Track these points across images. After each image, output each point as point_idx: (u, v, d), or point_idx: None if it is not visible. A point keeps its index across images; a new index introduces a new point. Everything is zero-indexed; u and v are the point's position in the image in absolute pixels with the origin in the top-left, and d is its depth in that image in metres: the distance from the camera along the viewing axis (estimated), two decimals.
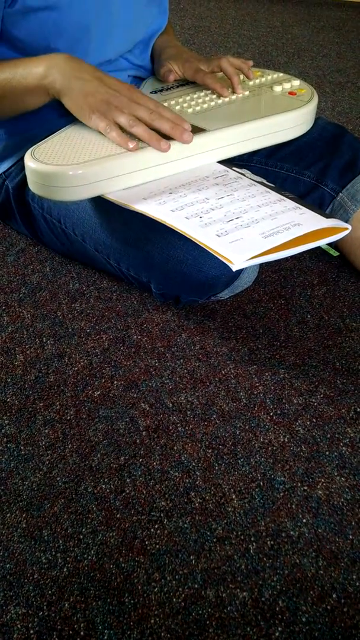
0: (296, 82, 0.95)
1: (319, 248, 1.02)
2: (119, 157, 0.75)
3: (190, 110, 0.87)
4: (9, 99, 0.83)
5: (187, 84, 0.97)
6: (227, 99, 0.90)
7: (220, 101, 0.90)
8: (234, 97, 0.91)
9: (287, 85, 0.94)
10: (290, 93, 0.92)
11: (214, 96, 0.91)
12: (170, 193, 0.76)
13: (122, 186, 0.77)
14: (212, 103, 0.89)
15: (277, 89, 0.93)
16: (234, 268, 0.65)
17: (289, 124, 0.86)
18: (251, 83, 0.96)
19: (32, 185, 0.78)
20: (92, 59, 0.88)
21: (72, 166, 0.74)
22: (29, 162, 0.76)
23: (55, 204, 0.94)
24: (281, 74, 0.99)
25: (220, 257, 0.66)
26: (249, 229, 0.69)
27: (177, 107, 0.88)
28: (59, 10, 0.81)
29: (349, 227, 0.71)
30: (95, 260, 0.96)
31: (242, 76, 0.96)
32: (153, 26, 0.99)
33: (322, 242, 0.70)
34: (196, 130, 0.80)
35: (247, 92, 0.92)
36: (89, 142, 0.78)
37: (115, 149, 0.76)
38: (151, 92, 0.95)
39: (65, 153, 0.76)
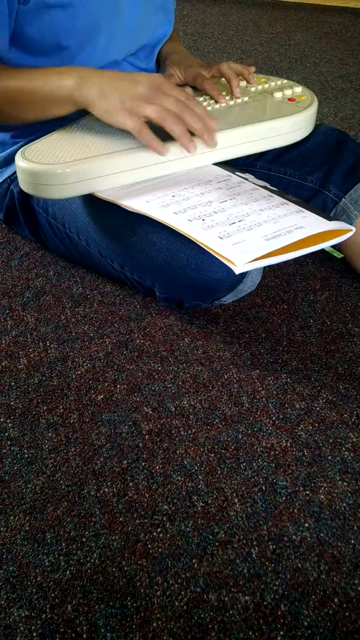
0: (298, 89, 0.96)
1: (322, 250, 1.03)
2: (109, 156, 0.76)
3: None
4: (35, 107, 0.83)
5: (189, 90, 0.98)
6: (224, 104, 0.91)
7: (217, 106, 0.90)
8: (232, 102, 0.92)
9: (288, 92, 0.94)
10: (290, 99, 0.92)
11: (212, 101, 0.92)
12: (174, 196, 0.77)
13: (112, 185, 0.78)
14: (210, 108, 0.90)
15: (278, 95, 0.94)
16: (236, 270, 0.66)
17: (285, 129, 0.87)
18: (253, 89, 0.97)
19: (23, 184, 0.80)
20: (98, 58, 0.89)
21: (61, 164, 0.76)
22: (20, 161, 0.78)
23: (60, 209, 0.94)
24: (285, 81, 1.00)
25: (222, 259, 0.67)
26: (252, 232, 0.70)
27: None
28: (73, 8, 0.82)
29: (353, 228, 0.72)
30: (99, 264, 0.97)
31: (244, 82, 0.97)
32: (159, 32, 1.00)
33: (326, 245, 0.70)
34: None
35: (246, 98, 0.93)
36: (80, 142, 0.80)
37: (105, 149, 0.77)
38: None
39: (55, 152, 0.78)
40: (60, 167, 0.76)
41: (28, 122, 0.87)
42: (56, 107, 0.81)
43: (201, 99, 0.93)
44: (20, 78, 0.81)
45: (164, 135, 0.79)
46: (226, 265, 0.66)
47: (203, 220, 0.72)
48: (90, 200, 0.87)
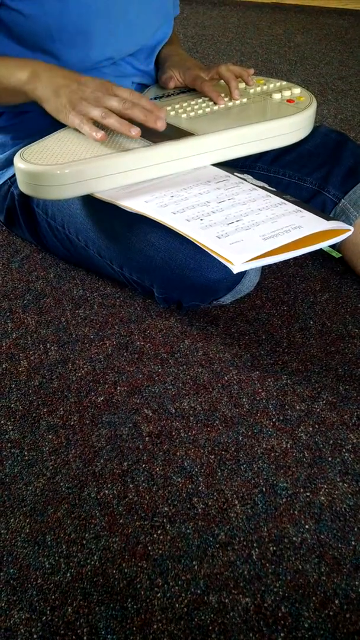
0: (296, 90, 0.96)
1: (321, 251, 1.03)
2: (107, 157, 0.77)
3: (184, 115, 0.88)
4: None
5: (188, 92, 0.98)
6: (223, 106, 0.91)
7: (216, 108, 0.91)
8: (230, 104, 0.92)
9: (286, 93, 0.94)
10: (289, 101, 0.93)
11: (211, 103, 0.92)
12: (172, 196, 0.77)
13: (110, 186, 0.79)
14: (208, 109, 0.90)
15: (276, 96, 0.94)
16: (234, 270, 0.66)
17: (283, 130, 0.87)
18: (252, 91, 0.97)
19: (22, 185, 0.80)
20: (95, 53, 0.90)
21: (59, 165, 0.76)
22: (18, 163, 0.78)
23: (60, 210, 0.95)
24: (284, 82, 1.00)
25: (220, 259, 0.67)
26: (250, 231, 0.70)
27: (172, 113, 0.90)
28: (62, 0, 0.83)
29: (351, 228, 0.72)
30: (98, 265, 0.97)
31: (243, 84, 0.97)
32: (158, 34, 1.00)
33: (324, 244, 0.70)
34: (184, 134, 0.82)
35: (245, 99, 0.93)
36: (78, 144, 0.80)
37: (104, 150, 0.78)
38: (152, 99, 0.97)
39: (54, 153, 0.79)
40: (59, 168, 0.76)
41: None
42: (10, 96, 0.87)
43: (200, 100, 0.93)
44: None
45: (155, 136, 0.79)
46: (224, 266, 0.66)
47: (201, 220, 0.72)
48: (89, 201, 0.87)
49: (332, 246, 0.99)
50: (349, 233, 0.71)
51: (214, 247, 0.68)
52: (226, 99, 0.92)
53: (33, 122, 0.97)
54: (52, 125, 0.90)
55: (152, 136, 0.80)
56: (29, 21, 0.85)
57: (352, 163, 0.95)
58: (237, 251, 0.67)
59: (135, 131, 0.78)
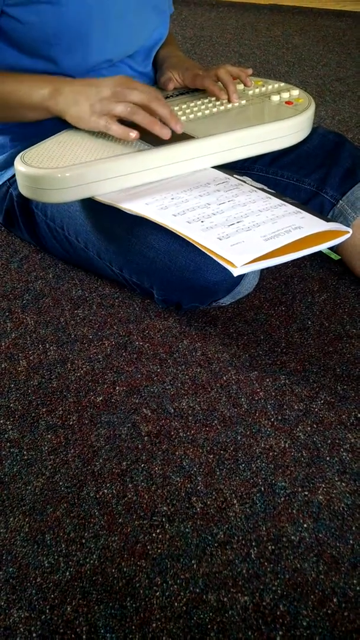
0: (295, 92, 0.96)
1: (320, 252, 1.03)
2: (108, 160, 0.77)
3: (184, 117, 0.89)
4: (10, 110, 0.88)
5: (186, 93, 0.98)
6: (222, 108, 0.91)
7: (215, 110, 0.91)
8: (229, 105, 0.92)
9: (285, 95, 0.95)
10: (287, 102, 0.93)
11: (210, 104, 0.92)
12: (173, 198, 0.77)
13: (111, 189, 0.79)
14: (207, 111, 0.90)
15: (275, 98, 0.94)
16: (235, 272, 0.66)
17: (282, 132, 0.88)
18: (250, 92, 0.97)
19: (22, 189, 0.80)
20: (93, 56, 0.90)
21: (60, 169, 0.76)
22: (19, 166, 0.78)
23: (59, 212, 0.95)
24: (282, 84, 1.00)
25: (221, 261, 0.67)
26: (250, 232, 0.70)
27: None
28: (59, 4, 0.83)
29: (350, 230, 0.72)
30: (97, 266, 0.97)
31: (241, 85, 0.98)
32: (156, 34, 1.00)
33: (323, 247, 0.70)
34: (185, 137, 0.82)
35: (243, 101, 0.93)
36: (79, 147, 0.80)
37: (104, 153, 0.78)
38: None
39: (54, 157, 0.79)
40: (60, 172, 0.76)
41: (5, 122, 0.95)
42: (31, 112, 0.86)
43: (199, 102, 0.93)
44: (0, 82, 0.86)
45: (155, 139, 0.79)
46: (224, 268, 0.66)
47: (202, 222, 0.72)
48: (89, 203, 0.87)
49: (331, 248, 1.00)
50: (348, 235, 0.72)
51: (215, 249, 0.68)
52: (225, 102, 0.93)
53: (32, 124, 0.97)
54: (52, 127, 0.90)
55: (152, 139, 0.80)
56: (27, 28, 0.85)
57: (350, 164, 0.96)
58: (238, 252, 0.67)
59: (167, 131, 0.78)
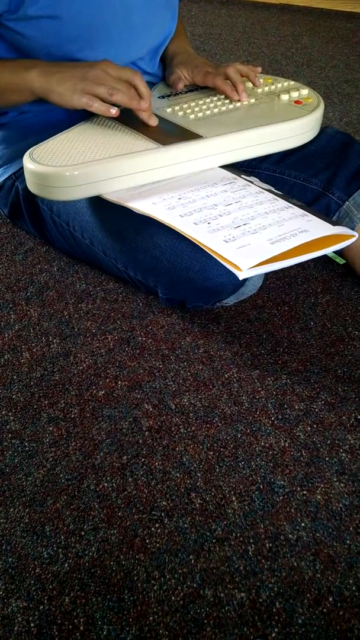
0: (304, 91, 0.96)
1: (325, 255, 1.03)
2: (116, 159, 0.77)
3: (192, 116, 0.89)
4: None
5: (195, 90, 0.98)
6: (231, 106, 0.91)
7: (224, 108, 0.91)
8: (238, 104, 0.92)
9: (294, 94, 0.95)
10: (297, 102, 0.93)
11: (219, 103, 0.92)
12: (180, 198, 0.77)
13: (118, 187, 0.79)
14: (216, 110, 0.90)
15: (284, 97, 0.94)
16: (241, 276, 0.66)
17: (291, 132, 0.88)
18: (260, 90, 0.97)
19: (31, 186, 0.81)
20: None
21: (68, 167, 0.77)
22: (28, 163, 0.79)
23: (65, 207, 0.95)
24: (292, 82, 1.00)
25: (227, 264, 0.67)
26: (257, 235, 0.70)
27: (181, 113, 0.90)
28: (60, 20, 0.83)
29: (356, 234, 0.73)
30: (102, 263, 0.98)
31: (250, 84, 0.98)
32: (164, 32, 1.00)
33: (329, 250, 0.71)
34: (193, 136, 0.82)
35: (252, 100, 0.93)
36: (87, 145, 0.81)
37: (112, 151, 0.79)
38: (159, 97, 0.97)
39: (63, 154, 0.79)
40: (68, 170, 0.76)
41: None
42: (16, 95, 0.87)
43: (208, 100, 0.93)
44: None
45: (164, 137, 0.80)
46: (229, 269, 0.67)
47: (209, 223, 0.73)
48: (95, 201, 0.87)
49: (337, 252, 1.00)
50: (354, 239, 0.72)
51: (222, 252, 0.68)
52: (234, 101, 0.93)
53: (37, 118, 0.97)
54: (57, 122, 0.91)
55: (160, 138, 0.81)
56: (28, 40, 0.86)
57: (358, 165, 0.96)
58: (244, 255, 0.67)
59: (145, 104, 0.81)
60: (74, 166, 0.76)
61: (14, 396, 0.81)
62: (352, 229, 0.94)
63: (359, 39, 2.24)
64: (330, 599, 0.61)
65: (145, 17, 0.93)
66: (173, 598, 0.61)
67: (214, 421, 0.78)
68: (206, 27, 2.33)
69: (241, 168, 0.92)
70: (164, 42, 1.02)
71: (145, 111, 0.84)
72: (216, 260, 0.69)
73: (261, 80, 0.98)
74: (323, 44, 2.18)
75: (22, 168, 0.99)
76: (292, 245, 0.68)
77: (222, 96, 0.94)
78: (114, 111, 0.81)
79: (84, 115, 0.87)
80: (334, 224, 0.73)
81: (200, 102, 0.93)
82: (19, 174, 1.00)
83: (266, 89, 0.98)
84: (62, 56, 0.87)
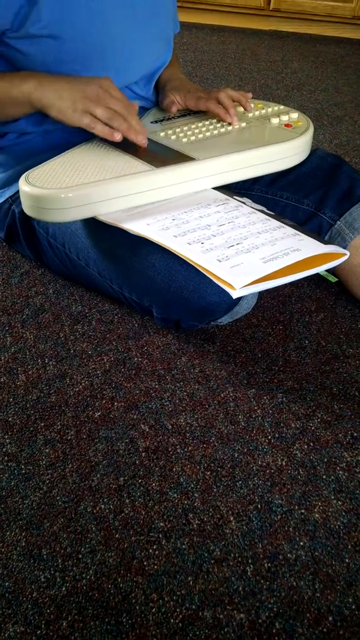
0: (294, 115, 0.98)
1: (318, 274, 1.04)
2: (110, 181, 0.79)
3: (185, 140, 0.90)
4: None
5: (187, 115, 1.00)
6: (222, 130, 0.93)
7: (216, 132, 0.93)
8: (230, 128, 0.94)
9: (284, 118, 0.97)
10: (287, 125, 0.95)
11: (211, 127, 0.94)
12: (174, 219, 0.78)
13: (113, 209, 0.80)
14: (208, 133, 0.92)
15: (274, 121, 0.96)
16: (234, 295, 0.67)
17: (281, 154, 0.90)
18: (250, 115, 0.99)
19: (27, 208, 0.82)
20: None
21: (63, 189, 0.78)
22: (24, 186, 0.80)
23: (60, 230, 0.96)
24: (282, 107, 1.02)
25: (220, 283, 0.68)
26: (249, 254, 0.71)
27: (174, 137, 0.92)
28: (60, 40, 0.85)
29: (347, 253, 0.74)
30: (97, 284, 0.98)
31: (241, 108, 1.00)
32: (159, 61, 1.03)
33: (321, 269, 0.72)
34: (186, 158, 0.84)
35: (243, 124, 0.95)
36: (82, 167, 0.82)
37: (107, 173, 0.80)
38: (152, 122, 0.99)
39: (58, 177, 0.80)
40: (63, 192, 0.77)
41: None
42: (15, 107, 0.88)
43: (200, 124, 0.95)
44: None
45: (157, 160, 0.81)
46: (223, 289, 0.67)
47: (202, 243, 0.74)
48: (90, 222, 0.88)
49: (329, 270, 1.01)
50: (345, 257, 0.73)
51: (215, 271, 0.69)
52: (225, 124, 0.94)
53: (35, 142, 0.99)
54: (54, 146, 0.92)
55: (154, 161, 0.82)
56: (26, 58, 0.88)
57: (348, 186, 0.98)
58: (237, 274, 0.68)
59: (143, 139, 0.83)
60: (69, 188, 0.78)
61: (9, 419, 0.81)
62: (344, 247, 0.95)
63: (347, 63, 2.29)
64: (330, 618, 0.61)
65: (140, 46, 0.95)
66: (172, 620, 0.60)
67: (211, 441, 0.78)
68: (198, 53, 2.38)
69: (234, 190, 0.93)
70: (158, 70, 1.04)
71: (142, 146, 0.86)
72: (210, 279, 0.70)
73: (252, 105, 1.01)
74: (313, 69, 2.22)
75: (18, 191, 1.01)
76: (284, 264, 0.69)
77: (214, 120, 0.96)
78: (118, 137, 0.82)
79: (80, 139, 0.89)
80: (326, 243, 0.74)
81: (193, 126, 0.95)
82: (15, 197, 1.01)
83: (257, 113, 1.00)
84: (58, 74, 0.89)
